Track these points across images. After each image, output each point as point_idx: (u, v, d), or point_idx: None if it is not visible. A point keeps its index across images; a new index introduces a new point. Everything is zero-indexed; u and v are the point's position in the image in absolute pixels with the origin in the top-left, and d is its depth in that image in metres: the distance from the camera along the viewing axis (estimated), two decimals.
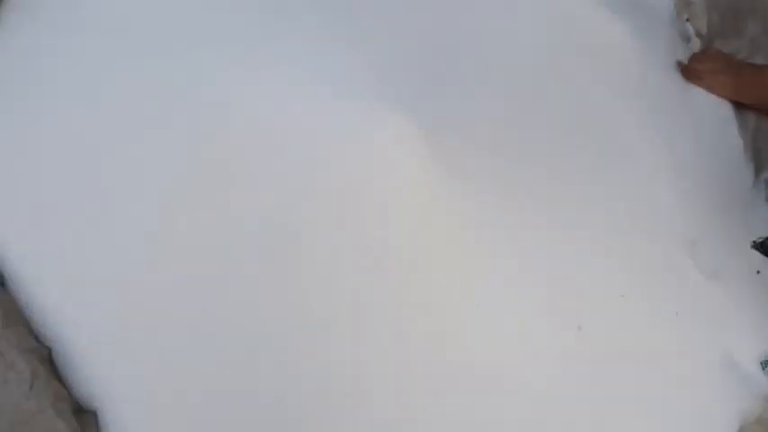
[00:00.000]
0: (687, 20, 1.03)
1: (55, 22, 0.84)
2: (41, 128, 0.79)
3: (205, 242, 0.75)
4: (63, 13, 0.84)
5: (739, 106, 0.97)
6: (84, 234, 0.78)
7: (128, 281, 0.76)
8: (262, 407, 0.74)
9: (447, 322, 0.75)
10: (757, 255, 0.88)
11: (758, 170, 0.95)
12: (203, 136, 0.76)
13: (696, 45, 1.02)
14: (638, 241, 0.82)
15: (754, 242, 0.85)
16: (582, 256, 0.79)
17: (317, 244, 0.75)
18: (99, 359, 0.76)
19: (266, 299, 0.74)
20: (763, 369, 0.84)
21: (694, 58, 1.00)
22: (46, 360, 0.75)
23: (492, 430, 0.76)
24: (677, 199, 0.87)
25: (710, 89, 0.97)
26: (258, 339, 0.75)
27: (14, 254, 0.78)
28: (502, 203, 0.77)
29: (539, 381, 0.77)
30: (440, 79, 0.80)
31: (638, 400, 0.79)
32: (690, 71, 0.98)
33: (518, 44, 0.86)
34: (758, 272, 0.88)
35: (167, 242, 0.75)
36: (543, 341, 0.77)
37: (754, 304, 0.87)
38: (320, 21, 0.81)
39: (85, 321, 0.76)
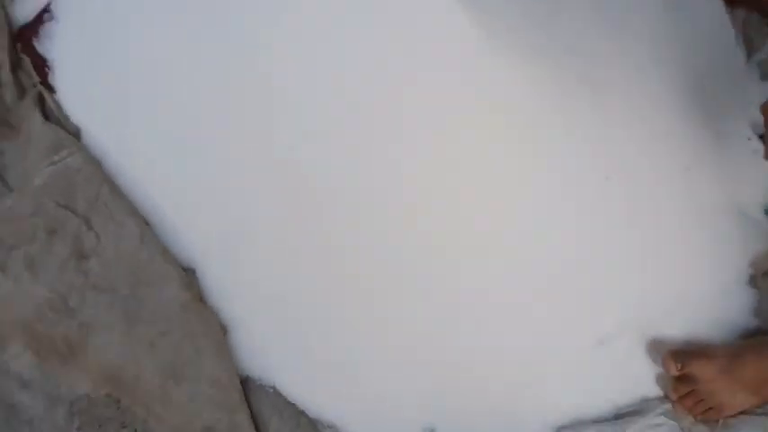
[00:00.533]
0: None
1: None
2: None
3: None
4: None
5: (729, 2, 1.09)
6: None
7: (219, 162, 0.88)
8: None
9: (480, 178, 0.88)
10: (750, 122, 1.00)
11: (749, 54, 1.07)
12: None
13: None
14: (651, 104, 0.93)
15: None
16: (601, 114, 0.90)
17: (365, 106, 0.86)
18: (196, 224, 0.88)
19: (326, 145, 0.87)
20: (767, 214, 0.96)
21: None
22: (149, 225, 0.86)
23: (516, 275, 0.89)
24: (682, 76, 0.99)
25: None
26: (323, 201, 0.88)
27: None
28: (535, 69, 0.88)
29: (566, 224, 0.89)
30: None
31: (657, 240, 0.90)
32: None
33: None
34: (749, 138, 0.99)
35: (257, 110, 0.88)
36: (576, 190, 0.88)
37: (759, 161, 0.98)
38: None
39: (179, 190, 0.88)
